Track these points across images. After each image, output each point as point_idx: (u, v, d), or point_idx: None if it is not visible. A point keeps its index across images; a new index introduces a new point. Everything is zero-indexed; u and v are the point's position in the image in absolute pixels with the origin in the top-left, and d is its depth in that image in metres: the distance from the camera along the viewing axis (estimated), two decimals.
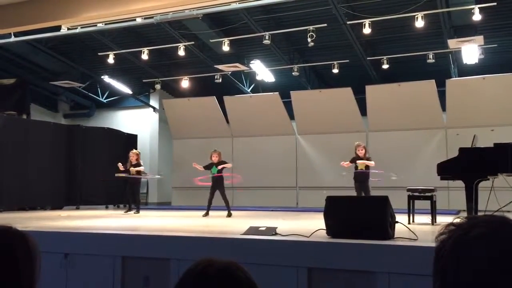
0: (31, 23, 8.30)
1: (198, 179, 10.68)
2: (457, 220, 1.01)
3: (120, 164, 10.84)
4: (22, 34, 11.74)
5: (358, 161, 9.37)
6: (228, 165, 10.13)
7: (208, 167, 10.09)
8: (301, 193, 13.88)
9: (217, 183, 9.91)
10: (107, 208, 13.72)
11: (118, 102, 17.53)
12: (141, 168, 11.19)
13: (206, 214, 9.64)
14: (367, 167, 9.36)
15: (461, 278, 0.92)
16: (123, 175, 10.86)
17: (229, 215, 9.70)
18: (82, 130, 14.20)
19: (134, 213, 10.84)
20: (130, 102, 17.48)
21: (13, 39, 11.94)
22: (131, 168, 10.93)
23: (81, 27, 10.97)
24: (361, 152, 9.40)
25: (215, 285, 1.09)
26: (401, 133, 12.72)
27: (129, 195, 11.17)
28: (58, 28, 10.38)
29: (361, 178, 9.39)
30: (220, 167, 9.94)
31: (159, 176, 14.77)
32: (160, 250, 5.12)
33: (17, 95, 14.51)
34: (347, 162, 9.52)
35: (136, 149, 11.95)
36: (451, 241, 0.96)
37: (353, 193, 9.37)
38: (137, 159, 11.08)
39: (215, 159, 10.05)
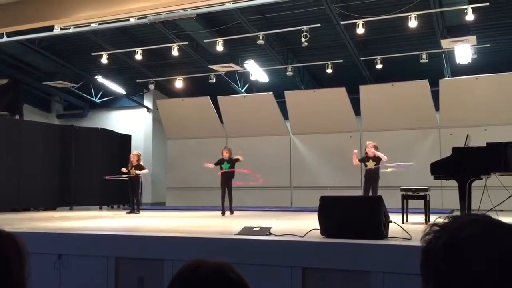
0: (24, 23, 8.26)
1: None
2: (440, 220, 1.01)
3: (123, 169, 11.10)
4: (14, 34, 11.67)
5: (369, 156, 9.34)
6: (241, 158, 10.20)
7: (218, 163, 10.21)
8: (295, 193, 13.88)
9: (228, 179, 10.09)
10: (101, 209, 13.67)
11: (111, 102, 17.46)
12: (145, 171, 11.43)
13: (223, 213, 9.91)
14: (377, 164, 9.31)
15: (457, 280, 0.92)
16: (125, 171, 11.10)
17: (231, 213, 9.98)
18: (75, 130, 14.12)
19: (127, 212, 10.92)
20: (124, 103, 17.43)
21: (5, 39, 11.87)
22: (132, 170, 11.12)
23: (74, 27, 10.92)
24: (369, 151, 9.39)
25: (207, 286, 1.08)
26: (394, 133, 12.74)
27: (131, 195, 11.33)
28: (51, 28, 10.32)
29: (370, 176, 9.32)
30: (235, 157, 10.13)
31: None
32: (154, 250, 5.11)
33: (9, 95, 14.43)
34: (357, 160, 9.56)
35: (130, 149, 12.01)
36: (441, 243, 0.96)
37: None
38: (137, 161, 11.29)
39: (226, 155, 10.18)
